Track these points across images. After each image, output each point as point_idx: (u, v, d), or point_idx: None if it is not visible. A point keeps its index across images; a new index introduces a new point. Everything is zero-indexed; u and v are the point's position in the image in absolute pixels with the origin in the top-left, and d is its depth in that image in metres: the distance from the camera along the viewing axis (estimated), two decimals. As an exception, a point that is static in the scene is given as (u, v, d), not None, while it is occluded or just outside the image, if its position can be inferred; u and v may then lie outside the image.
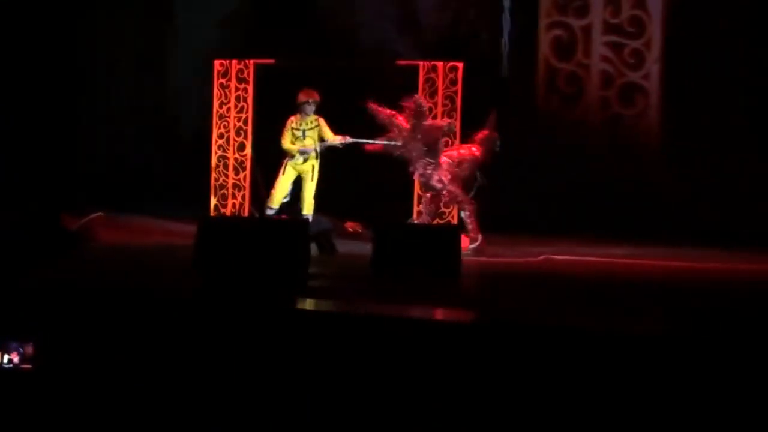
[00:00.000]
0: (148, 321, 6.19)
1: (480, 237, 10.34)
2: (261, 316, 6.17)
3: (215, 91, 11.83)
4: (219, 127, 11.88)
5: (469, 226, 10.37)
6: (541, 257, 9.99)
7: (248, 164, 11.81)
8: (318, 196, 10.54)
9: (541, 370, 5.46)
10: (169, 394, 5.80)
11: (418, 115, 10.31)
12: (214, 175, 11.87)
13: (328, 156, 10.62)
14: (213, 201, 11.84)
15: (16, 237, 7.99)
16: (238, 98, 11.81)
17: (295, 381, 5.69)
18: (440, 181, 10.45)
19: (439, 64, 11.22)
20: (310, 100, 10.39)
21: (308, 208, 10.52)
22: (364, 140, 10.51)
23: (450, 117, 11.04)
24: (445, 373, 5.56)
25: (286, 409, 5.62)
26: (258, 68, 11.78)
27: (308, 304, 6.74)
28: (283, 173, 10.57)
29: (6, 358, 5.90)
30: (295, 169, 10.54)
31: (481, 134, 10.65)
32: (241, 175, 11.83)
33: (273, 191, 10.64)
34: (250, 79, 11.76)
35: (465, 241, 9.98)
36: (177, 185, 12.92)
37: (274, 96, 11.66)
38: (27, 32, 13.82)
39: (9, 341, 5.92)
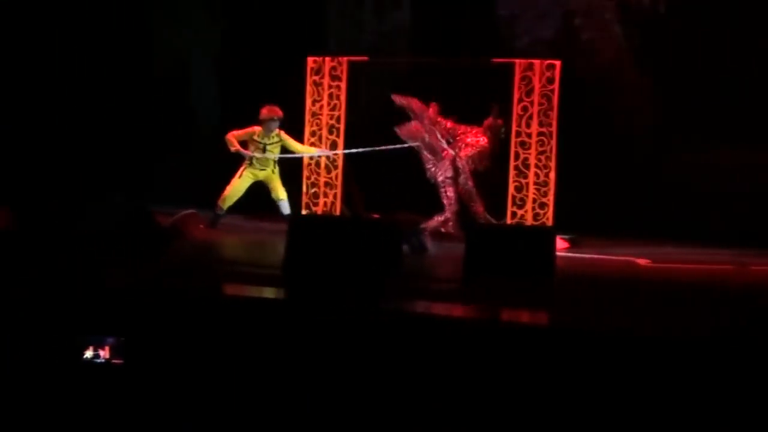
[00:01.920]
0: (237, 321, 6.15)
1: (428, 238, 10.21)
2: (351, 317, 6.09)
3: (308, 88, 11.78)
4: (311, 125, 11.83)
5: (432, 224, 10.51)
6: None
7: (340, 162, 11.75)
8: (391, 196, 10.65)
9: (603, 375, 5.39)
10: (254, 394, 5.79)
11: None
12: (305, 173, 11.84)
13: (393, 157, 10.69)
14: (304, 199, 11.82)
15: (103, 229, 7.97)
16: (331, 96, 11.75)
17: (385, 382, 5.64)
18: (443, 175, 10.68)
19: (536, 62, 10.97)
20: (274, 117, 10.89)
21: (282, 193, 11.05)
22: (338, 151, 11.12)
23: (546, 116, 10.81)
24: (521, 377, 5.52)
25: (379, 410, 5.58)
26: (351, 66, 11.72)
27: (400, 304, 6.64)
28: (240, 177, 11.00)
29: (91, 353, 5.96)
30: (252, 175, 10.99)
31: (486, 123, 10.81)
32: (333, 174, 11.77)
33: (225, 193, 10.99)
34: (344, 77, 11.68)
35: (562, 243, 9.79)
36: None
37: (367, 94, 11.62)
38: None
39: (100, 336, 5.96)
